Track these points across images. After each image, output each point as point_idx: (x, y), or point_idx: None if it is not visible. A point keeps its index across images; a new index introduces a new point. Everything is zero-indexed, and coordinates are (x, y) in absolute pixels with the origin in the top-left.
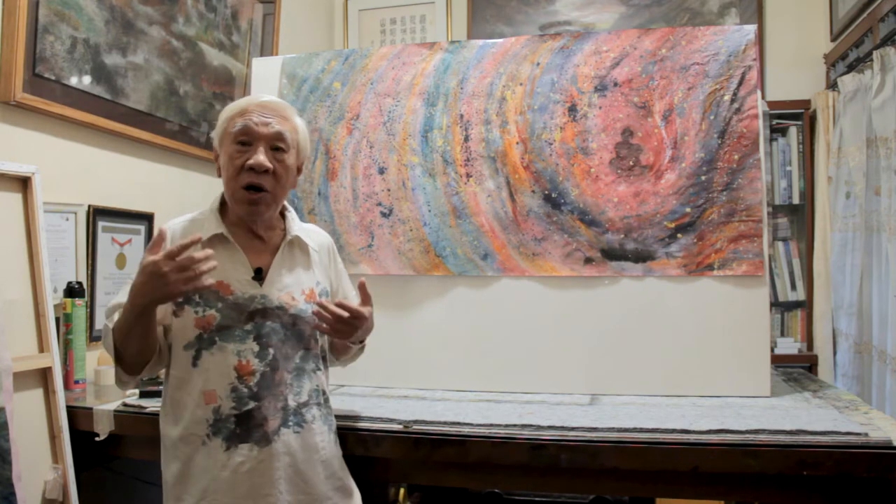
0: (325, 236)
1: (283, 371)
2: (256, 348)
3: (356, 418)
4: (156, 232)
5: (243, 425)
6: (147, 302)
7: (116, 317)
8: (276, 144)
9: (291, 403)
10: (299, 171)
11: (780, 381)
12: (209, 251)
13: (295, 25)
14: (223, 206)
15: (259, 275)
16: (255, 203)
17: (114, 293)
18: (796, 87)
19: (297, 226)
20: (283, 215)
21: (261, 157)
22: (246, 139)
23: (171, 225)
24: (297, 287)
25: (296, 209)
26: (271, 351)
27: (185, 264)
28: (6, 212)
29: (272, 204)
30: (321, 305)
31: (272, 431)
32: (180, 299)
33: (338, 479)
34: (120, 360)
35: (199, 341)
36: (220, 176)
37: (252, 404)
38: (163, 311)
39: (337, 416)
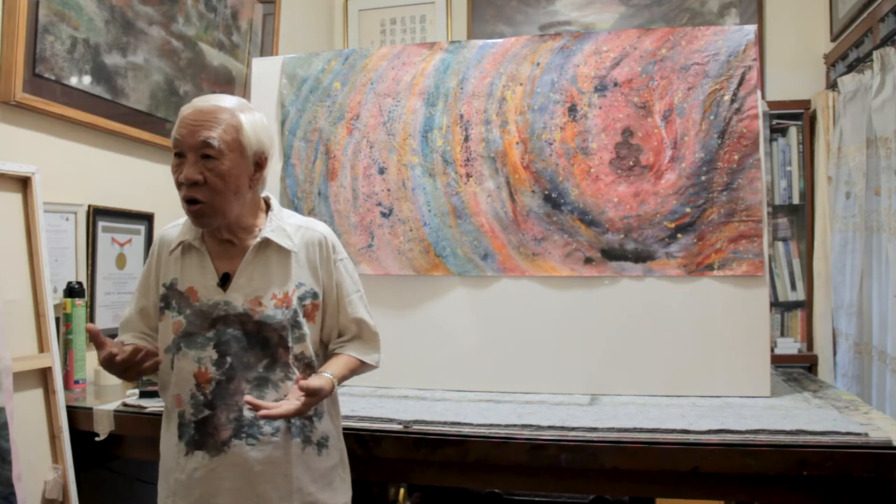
0: (314, 232)
1: (240, 380)
2: (215, 356)
3: (356, 418)
4: (155, 235)
5: (200, 432)
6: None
7: (122, 337)
8: (204, 153)
9: (247, 414)
10: (260, 166)
11: (780, 381)
12: (142, 352)
13: (295, 25)
14: None
15: (225, 280)
16: (196, 215)
17: (114, 293)
18: (796, 87)
19: (274, 226)
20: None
21: (187, 172)
22: (178, 151)
23: (163, 232)
24: (266, 292)
25: (296, 209)
26: (229, 359)
27: (124, 366)
28: (6, 212)
29: (215, 214)
30: (263, 415)
31: (222, 442)
32: (162, 304)
33: (307, 495)
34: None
35: (174, 345)
36: None
37: (207, 412)
38: (154, 314)
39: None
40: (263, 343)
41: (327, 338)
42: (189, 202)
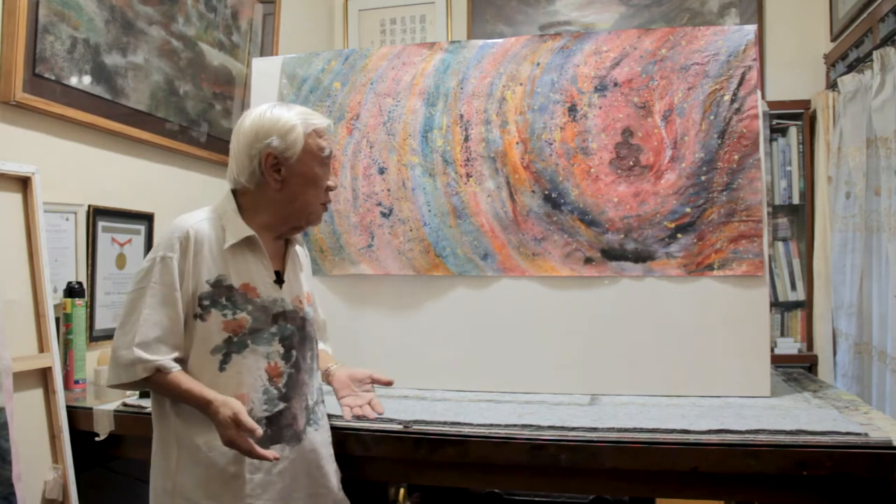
0: (300, 242)
1: (303, 372)
2: (282, 350)
3: (356, 418)
4: (174, 229)
5: (274, 426)
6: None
7: (160, 360)
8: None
9: (310, 402)
10: None
11: (780, 381)
12: (275, 456)
13: (295, 25)
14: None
15: (279, 278)
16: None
17: (114, 293)
18: (796, 87)
19: None
20: None
21: (335, 180)
22: (329, 162)
23: (194, 225)
24: (301, 290)
25: None
26: (294, 353)
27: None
28: (6, 212)
29: None
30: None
31: (300, 430)
32: (206, 302)
33: (339, 471)
34: (134, 386)
35: (227, 344)
36: (278, 189)
37: (282, 405)
38: (186, 311)
39: (337, 416)
40: (308, 337)
41: None
42: (327, 205)
